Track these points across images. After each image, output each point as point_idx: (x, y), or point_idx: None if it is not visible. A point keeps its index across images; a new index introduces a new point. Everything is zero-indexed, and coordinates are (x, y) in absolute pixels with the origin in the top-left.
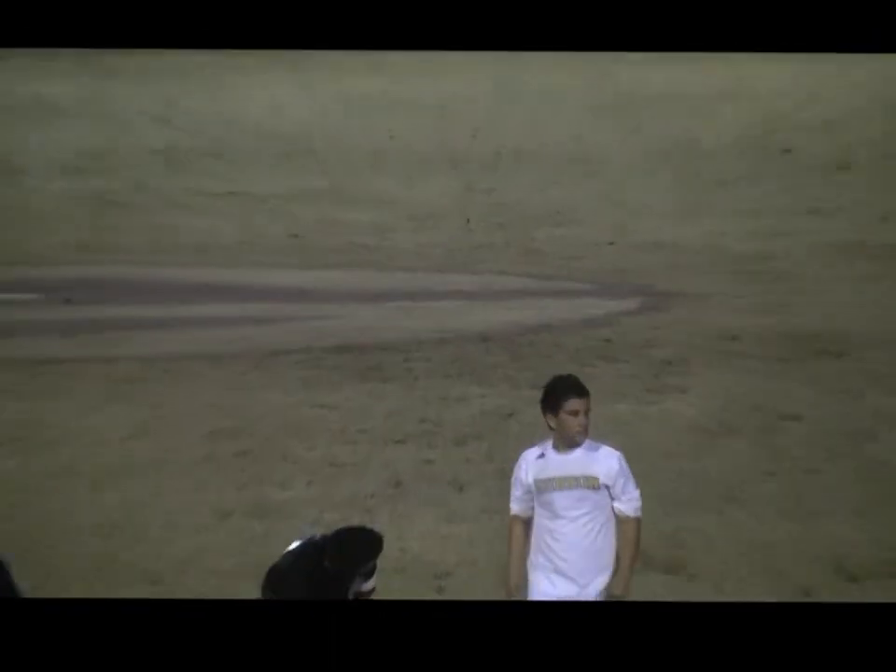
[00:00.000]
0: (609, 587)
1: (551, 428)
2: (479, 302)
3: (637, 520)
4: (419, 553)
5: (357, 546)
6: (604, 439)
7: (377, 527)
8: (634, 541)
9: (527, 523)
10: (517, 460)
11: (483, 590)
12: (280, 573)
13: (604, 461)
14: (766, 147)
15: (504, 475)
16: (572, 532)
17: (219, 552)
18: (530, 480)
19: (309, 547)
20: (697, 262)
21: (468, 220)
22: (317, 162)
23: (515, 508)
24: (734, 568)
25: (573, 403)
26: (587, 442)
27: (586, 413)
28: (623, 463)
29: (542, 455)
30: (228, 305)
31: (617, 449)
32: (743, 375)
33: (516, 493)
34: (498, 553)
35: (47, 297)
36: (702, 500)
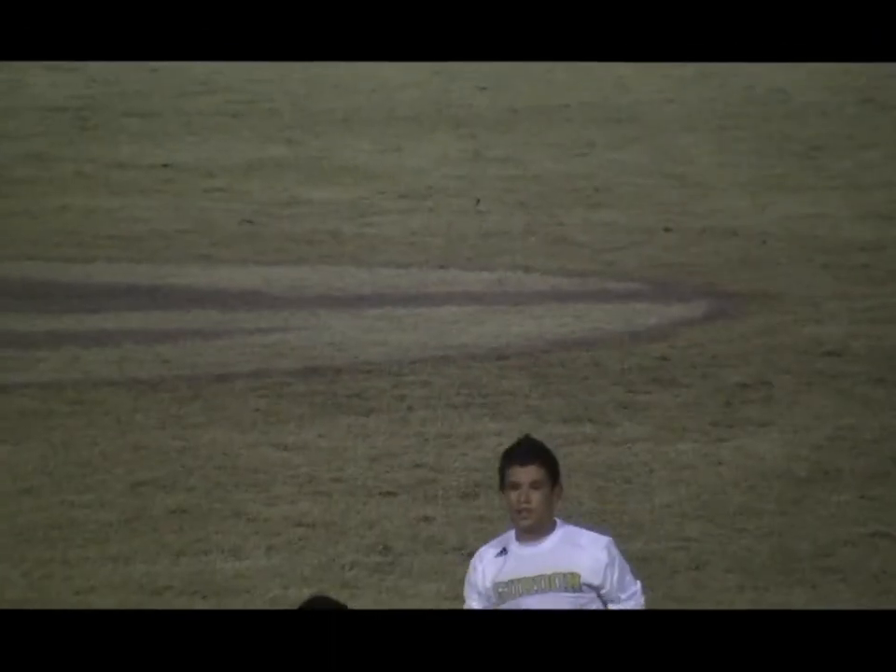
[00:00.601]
0: None
1: None
2: (492, 308)
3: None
4: None
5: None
6: (660, 487)
7: (357, 606)
8: None
9: None
10: (471, 560)
11: None
12: None
13: (587, 552)
14: (872, 99)
15: None
16: None
17: None
18: (488, 584)
19: None
20: (780, 254)
21: (477, 200)
22: (277, 124)
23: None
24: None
25: (514, 473)
26: (564, 528)
27: (534, 486)
28: (615, 550)
29: (503, 552)
30: (157, 314)
31: (604, 533)
32: (844, 404)
33: (472, 604)
34: None
35: None
36: (790, 570)
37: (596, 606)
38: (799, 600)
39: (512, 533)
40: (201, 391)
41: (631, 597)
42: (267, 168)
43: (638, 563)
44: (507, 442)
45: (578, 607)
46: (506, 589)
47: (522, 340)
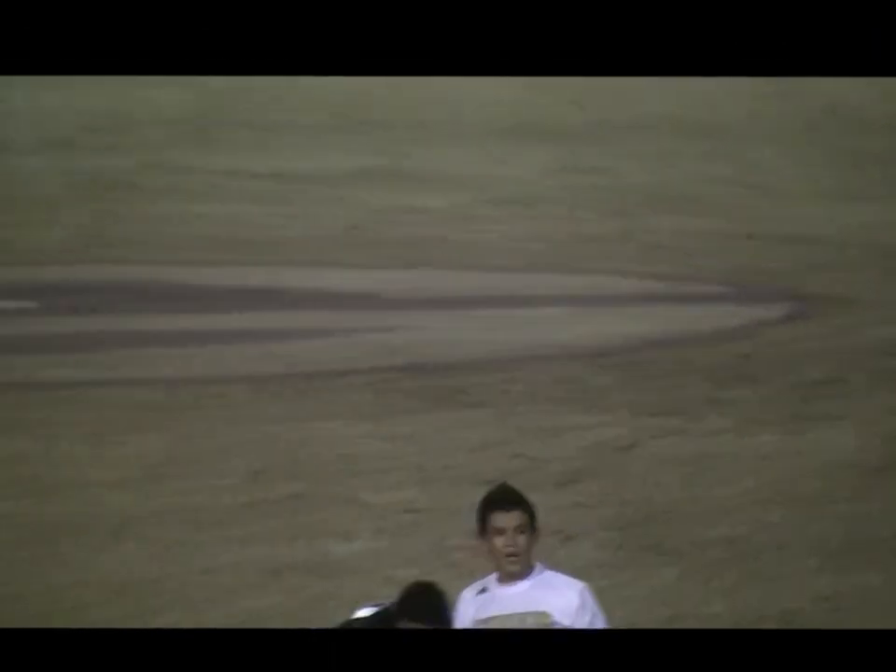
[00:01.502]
0: None
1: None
2: (589, 310)
3: None
4: None
5: (434, 606)
6: (743, 476)
7: (462, 586)
8: None
9: None
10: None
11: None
12: None
13: (560, 594)
14: None
15: (622, 524)
16: None
17: (269, 617)
18: (468, 623)
19: (380, 614)
20: (856, 259)
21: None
22: (386, 137)
23: None
24: None
25: (498, 519)
26: (541, 572)
27: (519, 530)
28: (588, 596)
29: (484, 590)
30: (273, 315)
31: (580, 580)
32: None
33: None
34: (619, 618)
35: (45, 305)
36: (865, 554)
37: None
38: (875, 581)
39: (494, 575)
40: (314, 386)
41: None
42: (376, 177)
43: (725, 544)
44: (604, 434)
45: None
46: (483, 626)
47: (617, 339)
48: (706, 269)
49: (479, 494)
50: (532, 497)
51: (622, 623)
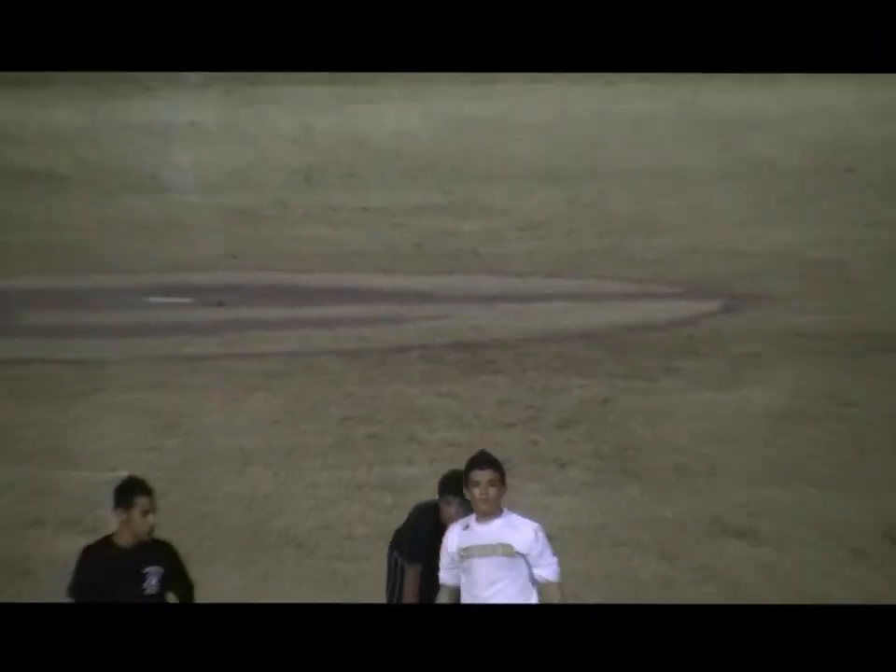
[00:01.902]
0: None
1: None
2: (580, 304)
3: (558, 584)
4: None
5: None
6: (689, 422)
7: None
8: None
9: (455, 591)
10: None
11: (583, 549)
12: (402, 531)
13: (520, 532)
14: (833, 166)
15: (602, 455)
16: (492, 596)
17: (353, 520)
18: (454, 550)
19: (426, 507)
20: (773, 267)
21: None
22: (437, 180)
23: (444, 577)
24: (796, 534)
25: (475, 475)
26: (508, 515)
27: (490, 483)
28: (541, 534)
29: (467, 527)
30: (360, 307)
31: (536, 521)
32: (809, 369)
33: (444, 562)
34: (598, 521)
35: (201, 300)
36: (772, 476)
37: (523, 569)
38: (776, 497)
39: (473, 516)
40: (387, 359)
41: (548, 566)
42: (431, 209)
43: (674, 470)
44: (588, 393)
45: (510, 568)
46: (465, 553)
47: (600, 326)
48: (664, 275)
49: (503, 433)
50: (536, 437)
51: (601, 520)
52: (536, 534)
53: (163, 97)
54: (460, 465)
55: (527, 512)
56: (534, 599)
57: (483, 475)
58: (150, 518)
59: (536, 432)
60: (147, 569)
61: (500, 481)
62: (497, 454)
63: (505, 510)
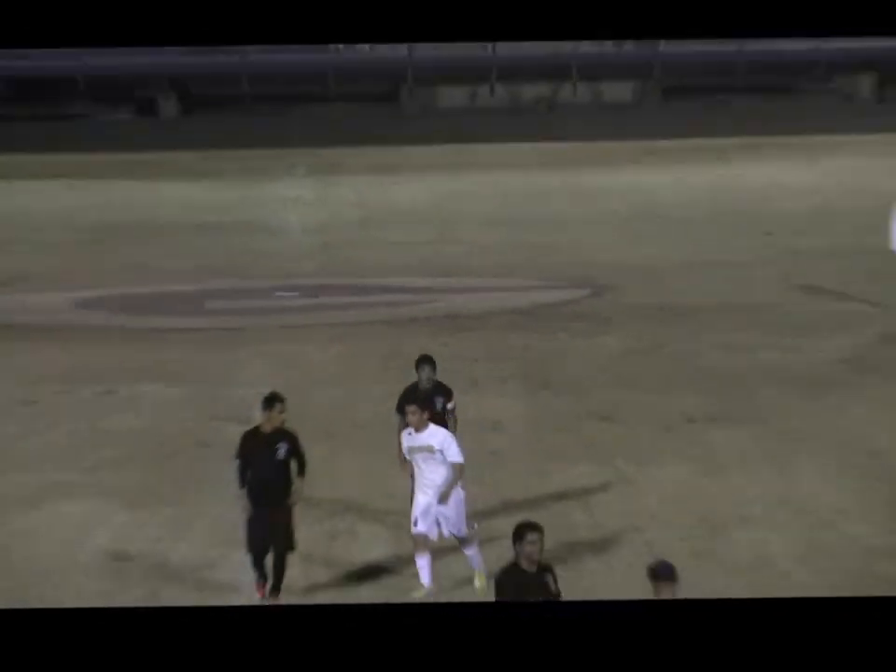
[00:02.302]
0: (441, 497)
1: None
2: (517, 293)
3: (456, 464)
4: None
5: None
6: (575, 357)
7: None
8: (455, 475)
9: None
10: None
11: (520, 431)
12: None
13: (437, 437)
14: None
15: (527, 377)
16: (427, 473)
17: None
18: (405, 446)
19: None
20: (623, 267)
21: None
22: (435, 227)
23: (404, 456)
24: None
25: (409, 410)
26: (431, 427)
27: (413, 413)
28: (449, 438)
29: (410, 433)
30: (393, 296)
31: (449, 431)
32: (637, 325)
33: (403, 449)
34: (523, 413)
35: (303, 293)
36: (619, 381)
37: (442, 458)
38: (646, 397)
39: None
40: (408, 325)
41: (454, 455)
42: (431, 242)
43: (569, 384)
44: (520, 341)
45: (434, 458)
46: (409, 449)
47: (527, 305)
48: (562, 276)
49: (471, 366)
50: (489, 365)
51: (525, 412)
52: (445, 438)
53: (280, 180)
54: (448, 377)
55: (485, 409)
56: (447, 475)
57: (411, 411)
58: (283, 415)
59: (489, 362)
60: (278, 445)
61: (420, 411)
62: (464, 378)
63: (431, 424)
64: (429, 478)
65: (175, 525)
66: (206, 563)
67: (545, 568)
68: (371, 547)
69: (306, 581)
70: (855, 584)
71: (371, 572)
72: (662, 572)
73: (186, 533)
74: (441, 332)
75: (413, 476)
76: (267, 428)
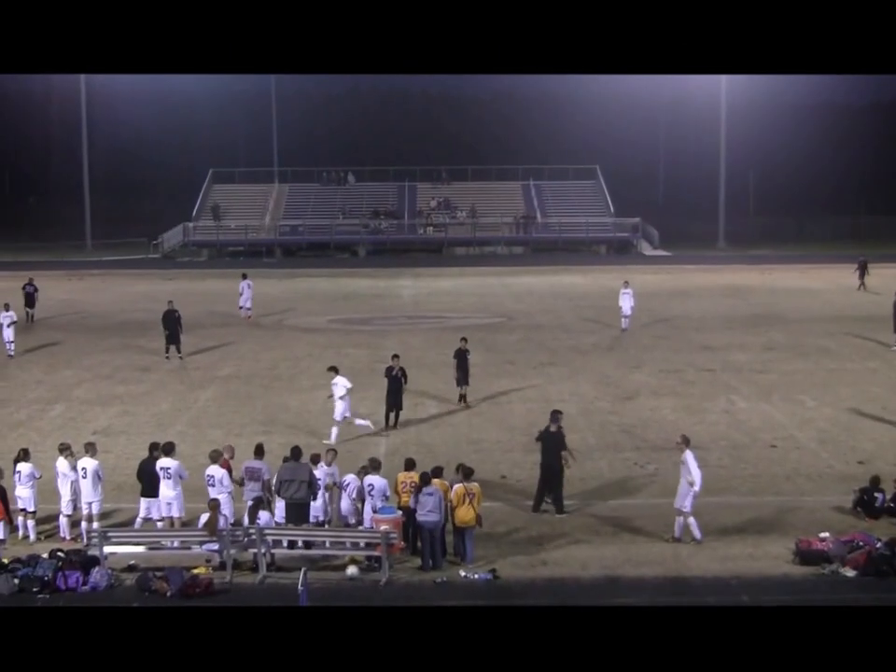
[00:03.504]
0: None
1: None
2: (469, 319)
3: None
4: None
5: None
6: (495, 354)
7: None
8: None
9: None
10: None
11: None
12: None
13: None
14: None
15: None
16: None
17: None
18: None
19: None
20: (518, 313)
21: None
22: (446, 301)
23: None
24: None
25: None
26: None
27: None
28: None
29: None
30: (415, 322)
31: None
32: (526, 336)
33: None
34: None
35: (384, 321)
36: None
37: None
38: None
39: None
40: (433, 330)
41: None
42: (437, 294)
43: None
44: (447, 325)
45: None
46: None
47: (470, 326)
48: (496, 314)
49: (446, 351)
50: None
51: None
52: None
53: (402, 278)
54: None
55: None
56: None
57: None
58: (397, 360)
59: (470, 343)
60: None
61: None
62: (438, 355)
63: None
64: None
65: None
66: None
67: (560, 428)
68: None
69: None
70: None
71: None
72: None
73: None
74: (449, 332)
75: None
76: (396, 364)
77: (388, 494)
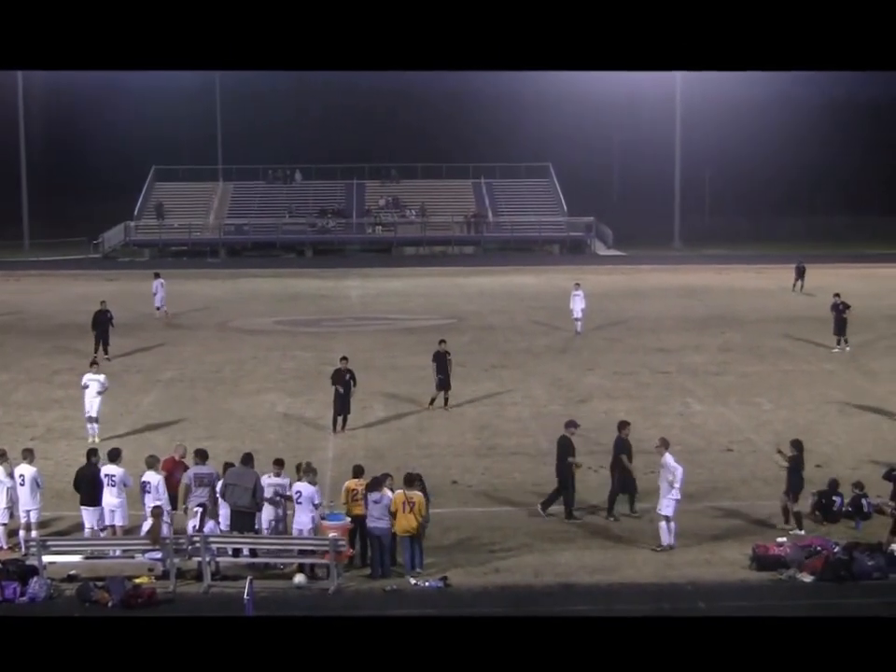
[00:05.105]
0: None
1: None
2: (423, 322)
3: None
4: None
5: None
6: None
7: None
8: None
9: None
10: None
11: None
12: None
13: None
14: None
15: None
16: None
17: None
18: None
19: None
20: (469, 314)
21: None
22: (415, 302)
23: None
24: None
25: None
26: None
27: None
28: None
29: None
30: (391, 323)
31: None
32: (477, 338)
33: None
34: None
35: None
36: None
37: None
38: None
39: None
40: (401, 334)
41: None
42: (411, 294)
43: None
44: (425, 349)
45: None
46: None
47: (424, 326)
48: (446, 315)
49: (423, 354)
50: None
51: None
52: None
53: (348, 279)
54: (402, 350)
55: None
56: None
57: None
58: (345, 362)
59: (418, 345)
60: (347, 377)
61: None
62: (409, 350)
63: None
64: None
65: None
66: None
67: (572, 434)
68: None
69: None
70: None
71: None
72: None
73: None
74: (399, 334)
75: None
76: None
77: (318, 501)
